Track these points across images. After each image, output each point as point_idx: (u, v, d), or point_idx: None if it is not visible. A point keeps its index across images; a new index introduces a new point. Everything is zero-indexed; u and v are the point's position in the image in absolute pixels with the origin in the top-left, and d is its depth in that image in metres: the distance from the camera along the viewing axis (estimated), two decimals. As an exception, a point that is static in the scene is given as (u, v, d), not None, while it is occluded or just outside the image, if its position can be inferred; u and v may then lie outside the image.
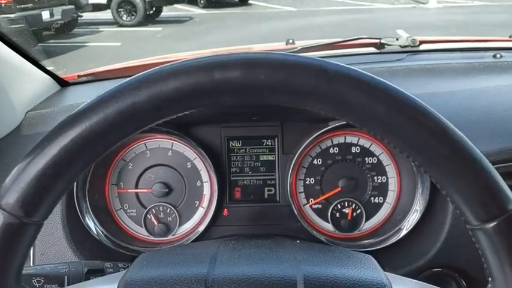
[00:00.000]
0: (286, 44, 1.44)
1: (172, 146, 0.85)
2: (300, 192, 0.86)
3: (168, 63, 0.44)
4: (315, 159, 0.86)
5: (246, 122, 0.87)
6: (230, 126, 0.86)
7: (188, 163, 0.86)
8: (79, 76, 1.27)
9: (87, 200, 0.81)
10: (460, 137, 0.50)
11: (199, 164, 0.85)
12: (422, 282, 0.58)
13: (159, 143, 0.85)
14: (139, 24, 9.42)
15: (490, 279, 0.54)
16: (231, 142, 0.87)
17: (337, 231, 0.86)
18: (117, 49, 7.26)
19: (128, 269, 0.53)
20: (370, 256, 0.58)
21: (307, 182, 0.86)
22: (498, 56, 1.18)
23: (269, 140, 0.87)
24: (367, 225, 0.86)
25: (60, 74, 1.23)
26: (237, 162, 0.87)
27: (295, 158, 0.83)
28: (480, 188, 0.50)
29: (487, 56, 1.20)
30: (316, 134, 0.83)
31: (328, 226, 0.86)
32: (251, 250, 0.56)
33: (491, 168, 0.51)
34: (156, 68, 0.44)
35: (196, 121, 0.86)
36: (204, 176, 0.85)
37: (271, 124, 0.87)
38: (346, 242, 0.84)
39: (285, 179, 0.84)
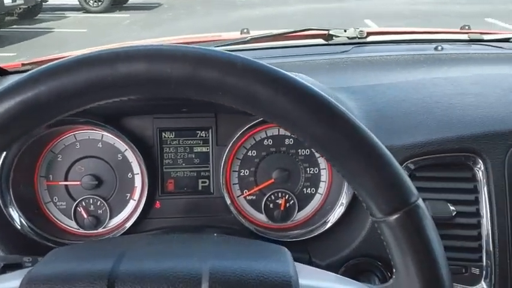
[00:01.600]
0: (241, 33, 1.44)
1: (102, 138, 0.84)
2: (234, 184, 0.86)
3: (77, 55, 0.43)
4: (250, 151, 0.86)
5: (179, 113, 0.86)
6: (162, 118, 0.85)
7: (119, 155, 0.84)
8: (23, 64, 1.24)
9: (11, 191, 0.79)
10: (363, 131, 0.50)
11: (130, 156, 0.84)
12: (336, 275, 0.59)
13: (89, 135, 0.84)
14: (106, 10, 9.22)
15: (394, 270, 0.56)
16: (163, 133, 0.86)
17: (270, 222, 0.86)
18: (83, 36, 7.10)
19: (36, 265, 0.52)
20: (283, 248, 0.59)
21: (241, 174, 0.86)
22: (439, 48, 1.20)
23: (203, 132, 0.87)
24: (300, 216, 0.87)
25: (23, 60, 1.20)
26: (170, 154, 0.86)
27: (228, 149, 0.83)
28: (383, 181, 0.51)
29: (429, 48, 1.22)
30: (249, 125, 0.83)
31: (262, 217, 0.86)
32: (163, 245, 0.56)
33: (394, 162, 0.52)
34: (64, 59, 0.43)
35: (127, 112, 0.84)
36: (135, 168, 0.84)
37: (205, 115, 0.86)
38: (278, 232, 0.85)
39: (219, 171, 0.84)
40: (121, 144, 0.84)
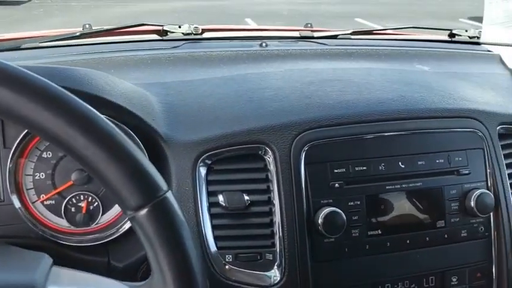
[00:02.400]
0: (83, 28, 1.37)
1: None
2: (28, 189, 0.81)
3: None
4: (44, 152, 0.81)
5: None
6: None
7: None
8: None
9: None
10: (102, 125, 0.48)
11: None
12: (99, 277, 0.57)
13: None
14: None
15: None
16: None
17: (72, 227, 0.82)
18: None
19: None
20: (42, 254, 0.56)
21: (36, 177, 0.81)
22: (264, 44, 1.24)
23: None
24: (104, 219, 0.83)
25: None
26: None
27: (13, 151, 0.77)
28: (127, 176, 0.49)
29: (255, 44, 1.25)
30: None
31: (63, 222, 0.82)
32: None
33: (138, 155, 0.51)
34: None
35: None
36: None
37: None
38: (79, 236, 0.81)
39: (5, 175, 0.78)
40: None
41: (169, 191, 0.55)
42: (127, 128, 0.77)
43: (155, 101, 0.86)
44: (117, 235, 0.80)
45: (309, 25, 1.61)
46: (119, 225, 0.80)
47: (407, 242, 0.84)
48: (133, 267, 0.77)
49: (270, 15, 8.05)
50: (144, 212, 0.52)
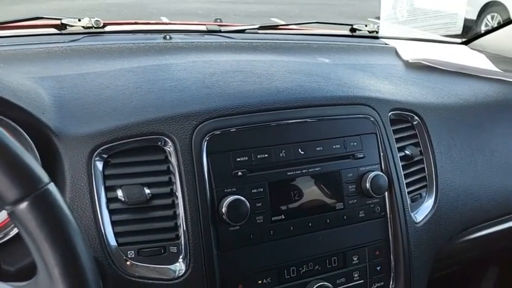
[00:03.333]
0: None
1: None
2: None
3: None
4: None
5: None
6: None
7: None
8: None
9: None
10: None
11: None
12: None
13: None
14: None
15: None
16: None
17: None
18: None
19: None
20: None
21: None
22: (168, 37, 1.22)
23: None
24: None
25: None
26: None
27: None
28: (2, 169, 0.46)
29: (159, 37, 1.23)
30: None
31: None
32: None
33: (14, 148, 0.48)
34: None
35: None
36: None
37: None
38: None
39: None
40: None
41: (52, 183, 0.52)
42: (11, 122, 0.72)
43: (46, 95, 0.82)
44: (6, 239, 0.75)
45: (218, 20, 1.62)
46: (8, 229, 0.75)
47: (310, 225, 0.87)
48: (27, 270, 0.72)
49: (185, 14, 7.97)
50: (23, 205, 0.49)
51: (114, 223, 0.76)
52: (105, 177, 0.77)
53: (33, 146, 0.74)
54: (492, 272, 1.54)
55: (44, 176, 0.51)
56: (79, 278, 0.51)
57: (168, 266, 0.77)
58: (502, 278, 1.53)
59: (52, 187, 0.51)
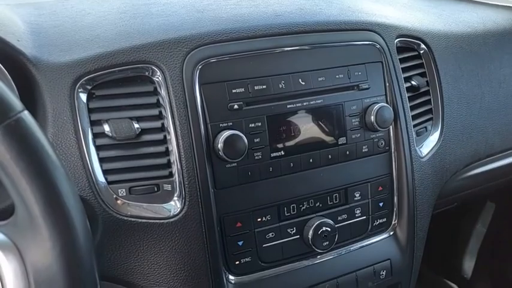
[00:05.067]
0: None
1: None
2: None
3: None
4: None
5: None
6: None
7: None
8: None
9: None
10: None
11: None
12: None
13: None
14: None
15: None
16: None
17: None
18: None
19: None
20: None
21: None
22: None
23: None
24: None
25: None
26: None
27: None
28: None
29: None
30: None
31: None
32: None
33: None
34: None
35: None
36: None
37: None
38: None
39: None
40: None
41: (26, 112, 0.46)
42: None
43: (22, 22, 0.74)
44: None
45: None
46: None
47: (310, 161, 0.82)
48: (7, 212, 0.67)
49: None
50: None
51: (102, 160, 0.71)
52: (90, 111, 0.71)
53: (8, 75, 0.66)
54: (489, 208, 1.53)
55: (16, 103, 0.45)
56: (62, 216, 0.46)
57: (162, 205, 0.73)
58: (498, 215, 1.53)
59: (26, 116, 0.45)
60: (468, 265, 1.58)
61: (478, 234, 1.56)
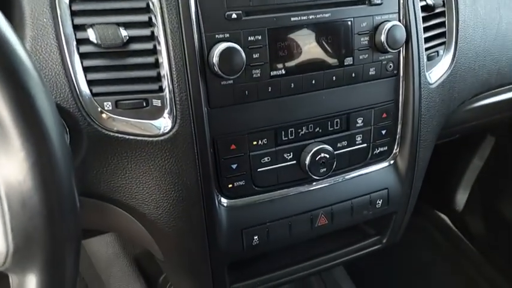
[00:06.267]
0: None
1: None
2: None
3: None
4: None
5: None
6: None
7: None
8: None
9: None
10: None
11: None
12: None
13: None
14: None
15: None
16: None
17: None
18: None
19: None
20: None
21: None
22: None
23: None
24: None
25: None
26: None
27: None
28: None
29: None
30: None
31: None
32: None
33: None
34: None
35: None
36: None
37: None
38: None
39: None
40: None
41: None
42: None
43: None
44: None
45: None
46: None
47: (313, 82, 0.76)
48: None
49: None
50: None
51: (86, 70, 0.65)
52: (73, 14, 0.63)
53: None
54: (489, 142, 1.50)
55: None
56: (35, 124, 0.41)
57: (151, 121, 0.68)
58: (497, 149, 1.50)
59: None
60: (461, 198, 1.58)
61: (474, 168, 1.55)
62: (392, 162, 0.88)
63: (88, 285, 1.39)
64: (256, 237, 0.79)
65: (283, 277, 0.90)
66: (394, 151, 0.88)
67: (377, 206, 0.88)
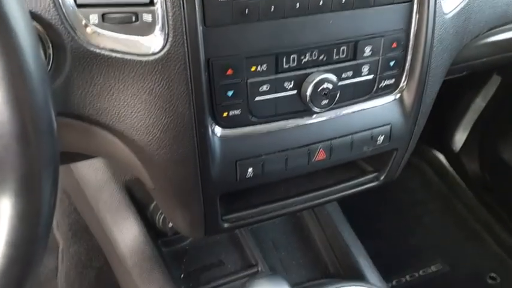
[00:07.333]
0: None
1: None
2: None
3: None
4: None
5: None
6: None
7: None
8: None
9: None
10: None
11: None
12: None
13: None
14: None
15: None
16: None
17: None
18: None
19: None
20: None
21: None
22: None
23: None
24: None
25: None
26: None
27: None
28: None
29: None
30: None
31: None
32: None
33: None
34: None
35: None
36: None
37: None
38: None
39: None
40: None
41: None
42: None
43: None
44: None
45: None
46: None
47: (320, 3, 0.69)
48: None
49: None
50: None
51: (66, -24, 0.57)
52: None
53: None
54: (494, 81, 1.45)
55: None
56: (6, 36, 0.35)
57: (141, 38, 0.61)
58: (501, 89, 1.46)
59: None
60: (459, 138, 1.55)
61: (476, 108, 1.51)
62: (398, 96, 0.83)
63: (76, 210, 1.38)
64: (250, 169, 0.76)
65: (276, 210, 0.87)
66: (401, 85, 0.82)
67: (378, 142, 0.84)
